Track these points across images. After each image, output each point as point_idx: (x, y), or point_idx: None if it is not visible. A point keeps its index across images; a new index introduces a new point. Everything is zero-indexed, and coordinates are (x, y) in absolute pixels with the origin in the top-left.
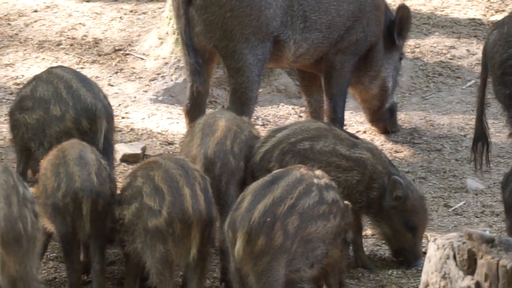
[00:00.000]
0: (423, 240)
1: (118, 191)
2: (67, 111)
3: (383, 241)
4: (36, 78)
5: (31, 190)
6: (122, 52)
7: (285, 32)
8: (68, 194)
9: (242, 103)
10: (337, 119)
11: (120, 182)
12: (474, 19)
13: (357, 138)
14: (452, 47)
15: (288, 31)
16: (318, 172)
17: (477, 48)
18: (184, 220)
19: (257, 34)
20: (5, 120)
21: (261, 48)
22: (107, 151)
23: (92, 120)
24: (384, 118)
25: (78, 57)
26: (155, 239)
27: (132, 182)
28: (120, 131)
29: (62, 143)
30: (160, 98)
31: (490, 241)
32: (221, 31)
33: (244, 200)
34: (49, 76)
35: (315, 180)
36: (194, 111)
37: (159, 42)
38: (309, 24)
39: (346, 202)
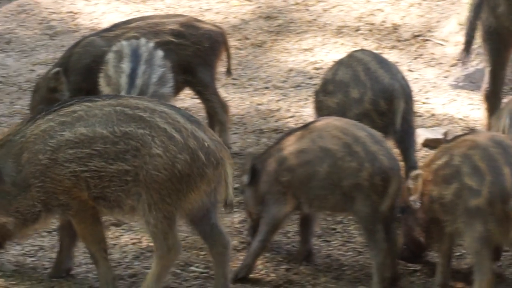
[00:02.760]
0: None
1: None
2: (365, 93)
3: None
4: (338, 62)
5: None
6: (421, 38)
7: None
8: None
9: None
10: None
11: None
12: None
13: None
14: None
15: None
16: None
17: None
18: (504, 199)
19: None
20: (304, 104)
21: None
22: (406, 132)
23: (390, 101)
24: None
25: (377, 43)
26: (475, 218)
27: (449, 161)
28: (420, 116)
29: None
30: (460, 84)
31: None
32: None
33: None
34: (349, 59)
35: None
36: (493, 97)
37: (459, 28)
38: None
39: None
